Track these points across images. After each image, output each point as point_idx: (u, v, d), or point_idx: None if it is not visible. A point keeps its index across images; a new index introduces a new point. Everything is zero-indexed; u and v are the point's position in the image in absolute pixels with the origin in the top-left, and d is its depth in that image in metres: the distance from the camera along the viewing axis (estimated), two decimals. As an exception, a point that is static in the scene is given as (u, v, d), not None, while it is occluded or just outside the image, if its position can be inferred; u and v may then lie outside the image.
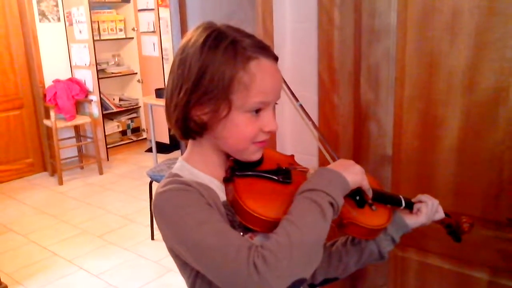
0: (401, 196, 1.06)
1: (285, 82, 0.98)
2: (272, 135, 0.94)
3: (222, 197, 0.89)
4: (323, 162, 1.34)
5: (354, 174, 0.88)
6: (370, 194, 0.94)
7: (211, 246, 0.77)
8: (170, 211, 0.83)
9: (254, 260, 0.74)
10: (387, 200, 1.03)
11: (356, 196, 0.93)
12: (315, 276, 1.08)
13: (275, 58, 0.89)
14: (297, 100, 1.00)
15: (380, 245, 1.05)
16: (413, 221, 1.06)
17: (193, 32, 0.89)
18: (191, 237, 0.79)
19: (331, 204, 0.80)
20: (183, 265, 0.90)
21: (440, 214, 1.09)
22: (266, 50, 0.88)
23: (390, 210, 1.01)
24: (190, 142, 0.95)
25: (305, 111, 1.01)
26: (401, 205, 1.05)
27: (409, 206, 1.07)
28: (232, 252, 0.76)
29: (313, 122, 1.01)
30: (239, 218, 0.86)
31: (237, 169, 0.90)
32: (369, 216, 0.94)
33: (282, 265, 0.74)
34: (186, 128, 0.88)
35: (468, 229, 1.08)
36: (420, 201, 1.08)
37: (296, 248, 0.75)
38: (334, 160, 1.03)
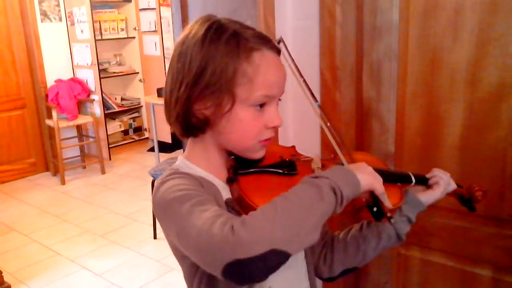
0: (410, 173, 1.05)
1: (305, 82, 0.95)
2: (275, 135, 0.92)
3: (225, 195, 0.88)
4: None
5: (366, 174, 0.82)
6: (386, 202, 0.86)
7: (193, 213, 0.74)
8: (166, 196, 0.80)
9: (233, 223, 0.69)
10: (396, 178, 1.02)
11: (373, 208, 0.85)
12: (332, 268, 1.06)
13: (278, 51, 0.88)
14: (316, 100, 0.98)
15: (397, 227, 1.02)
16: (427, 197, 1.04)
17: (193, 25, 0.86)
18: (179, 211, 0.76)
19: (333, 190, 0.75)
20: (189, 269, 0.88)
21: (453, 186, 1.07)
22: (268, 42, 0.86)
23: (401, 189, 0.99)
24: (190, 139, 0.92)
25: (324, 112, 0.99)
26: (411, 181, 1.04)
27: (422, 182, 1.06)
28: (211, 216, 0.72)
29: (331, 124, 0.97)
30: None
31: (239, 168, 0.88)
32: None
33: (261, 227, 0.69)
34: (188, 124, 0.86)
35: (482, 197, 1.07)
36: (434, 176, 1.06)
37: (281, 215, 0.70)
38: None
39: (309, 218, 0.72)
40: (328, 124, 0.96)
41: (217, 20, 0.85)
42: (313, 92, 1.57)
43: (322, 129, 1.58)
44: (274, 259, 0.69)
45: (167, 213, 0.80)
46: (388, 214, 0.84)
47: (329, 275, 1.08)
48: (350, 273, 1.08)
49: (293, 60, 0.93)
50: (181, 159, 0.94)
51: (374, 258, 1.07)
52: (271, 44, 0.86)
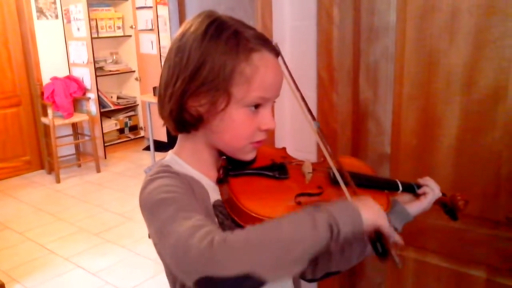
0: (397, 180, 1.05)
1: (303, 100, 0.94)
2: (271, 133, 0.92)
3: (214, 196, 0.87)
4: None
5: (369, 209, 0.78)
6: (395, 238, 0.80)
7: (176, 219, 0.73)
8: (153, 196, 0.80)
9: (214, 237, 0.67)
10: (383, 185, 1.02)
11: (376, 245, 0.79)
12: (315, 271, 1.06)
13: (277, 53, 0.87)
14: (314, 119, 0.95)
15: None
16: (415, 208, 1.05)
17: (194, 20, 0.85)
18: (162, 214, 0.76)
19: (330, 225, 0.72)
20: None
21: (438, 195, 1.08)
22: (268, 44, 0.85)
23: (388, 196, 1.00)
24: (181, 136, 0.91)
25: (323, 133, 0.95)
26: (398, 189, 1.04)
27: (409, 190, 1.06)
28: (193, 226, 0.70)
29: (329, 148, 0.94)
30: (236, 219, 0.83)
31: (230, 169, 0.87)
32: None
33: (241, 248, 0.67)
34: (181, 120, 0.84)
35: (464, 206, 1.08)
36: (423, 187, 1.06)
37: (265, 240, 0.68)
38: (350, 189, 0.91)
39: (294, 249, 0.69)
40: (325, 143, 0.94)
41: (219, 17, 0.84)
42: (309, 92, 1.58)
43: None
44: (248, 284, 0.67)
45: (151, 213, 0.80)
46: (396, 260, 0.77)
47: (311, 277, 1.07)
48: (332, 275, 1.08)
49: (291, 75, 0.92)
50: (171, 155, 0.92)
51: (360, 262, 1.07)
52: (271, 46, 0.86)
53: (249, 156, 0.89)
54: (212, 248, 0.66)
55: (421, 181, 1.07)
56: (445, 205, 1.10)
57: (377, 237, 0.78)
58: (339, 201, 0.79)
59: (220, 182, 0.88)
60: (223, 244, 0.66)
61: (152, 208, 0.79)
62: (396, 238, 0.80)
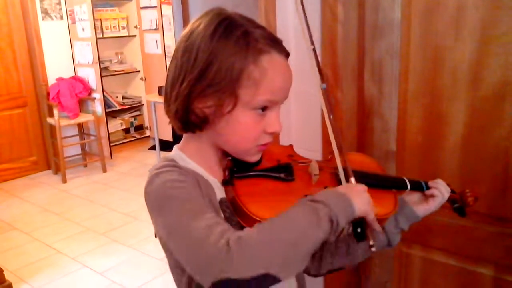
0: (405, 178, 1.04)
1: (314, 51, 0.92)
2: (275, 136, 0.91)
3: (219, 194, 0.86)
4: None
5: (361, 200, 0.80)
6: (376, 227, 0.84)
7: (189, 219, 0.74)
8: (165, 190, 0.79)
9: (229, 237, 0.69)
10: (391, 184, 1.01)
11: (357, 228, 0.82)
12: (320, 267, 1.06)
13: (287, 54, 0.85)
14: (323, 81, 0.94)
15: (390, 238, 1.03)
16: (422, 211, 1.04)
17: (202, 18, 0.83)
18: (174, 212, 0.76)
19: (331, 221, 0.74)
20: (175, 265, 0.88)
21: (448, 194, 1.06)
22: (278, 45, 0.83)
23: (396, 195, 0.99)
24: (187, 134, 0.90)
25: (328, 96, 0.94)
26: (407, 187, 1.03)
27: (418, 188, 1.05)
28: (209, 225, 0.71)
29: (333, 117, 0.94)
30: (240, 220, 0.83)
31: (236, 171, 0.86)
32: (377, 205, 0.92)
33: (256, 249, 0.69)
34: (186, 120, 0.83)
35: (473, 203, 1.07)
36: (431, 188, 1.05)
37: (277, 239, 0.70)
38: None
39: (304, 245, 0.72)
40: (331, 117, 0.93)
41: (229, 16, 0.82)
42: (314, 90, 1.57)
43: (323, 128, 1.58)
44: (266, 283, 0.69)
45: (159, 209, 0.79)
46: (371, 243, 0.81)
47: (315, 273, 1.07)
48: (336, 271, 1.08)
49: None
50: (176, 150, 0.91)
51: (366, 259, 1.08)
52: (281, 47, 0.83)
53: (254, 158, 0.88)
54: (229, 250, 0.67)
55: (431, 183, 1.06)
56: (455, 202, 1.09)
57: (360, 222, 0.81)
58: (335, 191, 0.81)
59: (225, 183, 0.87)
60: (238, 244, 0.68)
61: (161, 203, 0.78)
62: (376, 227, 0.83)
